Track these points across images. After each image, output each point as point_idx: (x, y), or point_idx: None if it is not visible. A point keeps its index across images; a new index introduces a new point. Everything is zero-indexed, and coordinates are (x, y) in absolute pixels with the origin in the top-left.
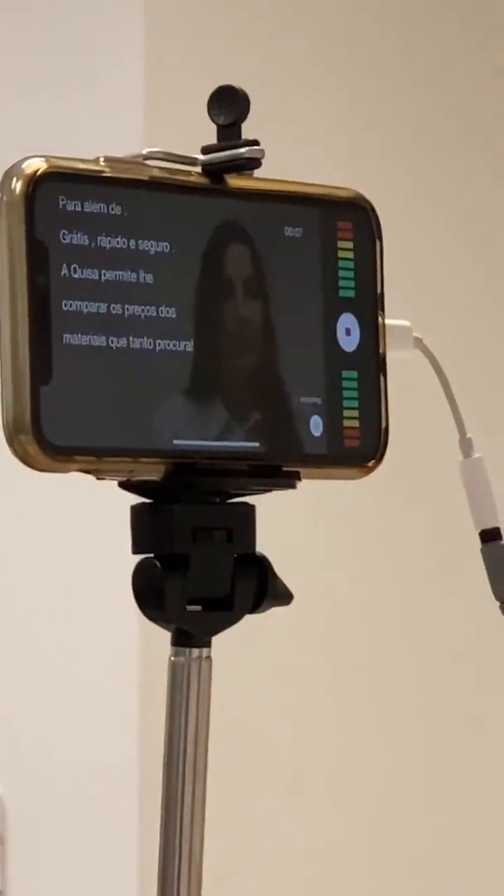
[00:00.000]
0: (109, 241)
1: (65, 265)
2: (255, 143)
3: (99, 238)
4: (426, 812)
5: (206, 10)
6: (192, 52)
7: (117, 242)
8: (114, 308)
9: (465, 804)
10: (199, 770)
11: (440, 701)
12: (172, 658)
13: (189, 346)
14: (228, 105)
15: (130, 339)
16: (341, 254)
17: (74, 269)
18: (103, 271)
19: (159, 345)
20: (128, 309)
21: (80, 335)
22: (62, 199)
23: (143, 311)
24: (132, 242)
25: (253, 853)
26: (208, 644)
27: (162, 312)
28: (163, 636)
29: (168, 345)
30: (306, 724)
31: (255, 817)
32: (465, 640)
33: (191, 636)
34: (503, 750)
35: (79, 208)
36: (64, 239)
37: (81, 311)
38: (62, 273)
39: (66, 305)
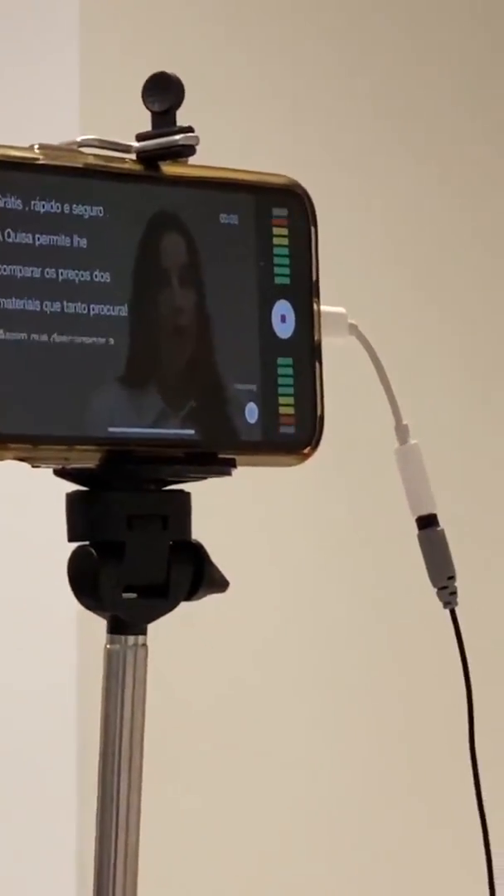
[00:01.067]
0: (44, 206)
1: None
2: (190, 129)
3: (33, 202)
4: (376, 793)
5: None
6: (128, 39)
7: (51, 207)
8: (48, 272)
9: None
10: (134, 758)
11: (379, 682)
12: (108, 646)
13: (123, 310)
14: (163, 92)
15: (64, 303)
16: (276, 241)
17: (8, 233)
18: (37, 236)
19: (93, 309)
20: (62, 273)
21: (15, 299)
22: None
23: (77, 275)
24: (66, 207)
25: (189, 840)
26: (144, 632)
27: (96, 277)
28: (101, 623)
29: (103, 309)
30: (246, 706)
31: (193, 803)
32: (402, 624)
33: (126, 624)
34: (443, 731)
35: (12, 178)
36: None
37: (16, 276)
38: None
39: (1, 270)
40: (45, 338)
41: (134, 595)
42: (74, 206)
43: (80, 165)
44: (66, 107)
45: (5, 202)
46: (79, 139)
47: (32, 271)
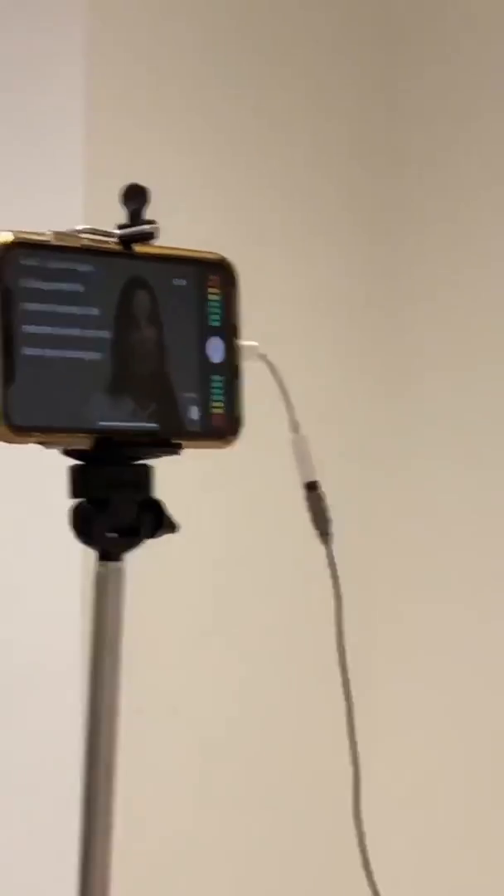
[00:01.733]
0: (53, 264)
1: (21, 278)
2: (153, 222)
3: (46, 262)
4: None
5: (134, 103)
6: (124, 144)
7: (59, 264)
8: (56, 308)
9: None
10: (115, 652)
11: (265, 604)
12: (97, 570)
13: (108, 334)
14: (134, 197)
15: (68, 328)
16: (211, 297)
17: (29, 281)
18: (49, 283)
19: (88, 333)
20: (66, 308)
21: (34, 326)
22: (21, 256)
23: (76, 309)
24: (69, 264)
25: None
26: (122, 559)
27: (90, 311)
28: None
29: (94, 333)
30: (193, 639)
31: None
32: (288, 560)
33: (110, 554)
34: (316, 648)
35: (32, 250)
36: (21, 260)
37: (35, 310)
38: (20, 285)
39: (24, 306)
40: (56, 353)
41: (115, 535)
42: (75, 264)
43: (79, 245)
44: (72, 196)
45: (27, 261)
46: (78, 228)
47: (46, 307)
